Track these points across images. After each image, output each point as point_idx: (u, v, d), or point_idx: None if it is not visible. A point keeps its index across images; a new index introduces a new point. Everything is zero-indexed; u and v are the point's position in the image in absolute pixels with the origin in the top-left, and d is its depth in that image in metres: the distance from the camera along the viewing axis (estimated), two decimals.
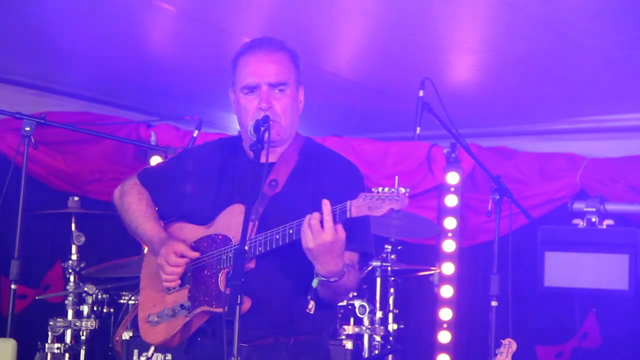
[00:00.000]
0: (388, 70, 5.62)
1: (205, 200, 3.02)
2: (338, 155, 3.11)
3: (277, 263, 2.86)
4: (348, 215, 2.62)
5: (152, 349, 4.39)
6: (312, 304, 2.79)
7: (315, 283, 2.75)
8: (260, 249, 2.79)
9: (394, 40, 4.96)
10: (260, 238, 2.79)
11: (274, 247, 2.77)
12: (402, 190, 2.59)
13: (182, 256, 2.95)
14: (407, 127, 4.67)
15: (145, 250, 3.24)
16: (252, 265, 2.82)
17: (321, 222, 2.63)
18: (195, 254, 2.95)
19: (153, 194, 3.17)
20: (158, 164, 3.29)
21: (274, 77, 2.94)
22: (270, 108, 2.91)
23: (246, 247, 2.81)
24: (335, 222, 2.63)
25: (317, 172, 2.99)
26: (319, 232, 2.63)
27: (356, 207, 2.61)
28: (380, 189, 2.60)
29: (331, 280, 2.72)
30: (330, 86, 5.80)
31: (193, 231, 3.02)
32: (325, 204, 2.64)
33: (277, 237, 2.76)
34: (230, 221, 2.91)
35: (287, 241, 2.74)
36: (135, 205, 3.15)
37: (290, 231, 2.72)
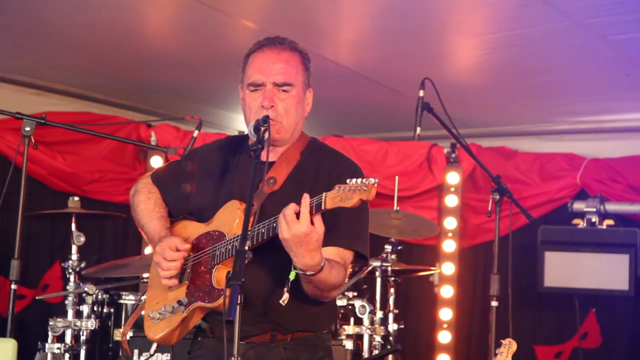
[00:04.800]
0: (388, 60, 5.60)
1: (207, 198, 3.03)
2: (340, 155, 3.10)
3: (269, 258, 2.84)
4: (323, 208, 2.61)
5: (153, 347, 4.39)
6: (285, 296, 2.73)
7: (292, 275, 2.72)
8: (248, 242, 2.77)
9: (395, 25, 4.94)
10: (249, 233, 2.78)
11: (259, 241, 2.76)
12: (372, 180, 2.58)
13: (178, 250, 2.95)
14: (407, 126, 4.66)
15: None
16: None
17: (298, 213, 2.63)
18: (188, 247, 2.95)
19: (163, 193, 3.19)
20: (169, 163, 3.32)
21: (280, 76, 2.93)
22: (273, 107, 2.91)
23: (225, 248, 2.85)
24: (311, 213, 2.62)
25: (316, 172, 2.99)
26: (293, 223, 2.61)
27: (330, 199, 2.60)
28: (354, 180, 2.60)
29: (307, 273, 2.70)
30: (330, 75, 5.78)
31: (195, 228, 3.03)
32: (305, 197, 2.63)
33: (263, 231, 2.76)
34: (226, 217, 2.92)
35: (270, 235, 2.73)
36: (143, 204, 3.17)
37: (274, 225, 2.71)
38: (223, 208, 2.95)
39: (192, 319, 2.96)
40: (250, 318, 2.83)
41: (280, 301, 2.73)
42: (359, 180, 2.58)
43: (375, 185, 2.58)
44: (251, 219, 2.69)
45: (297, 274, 2.72)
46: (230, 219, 2.89)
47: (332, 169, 2.98)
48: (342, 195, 2.59)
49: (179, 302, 2.93)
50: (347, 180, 2.60)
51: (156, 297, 3.07)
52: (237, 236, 2.79)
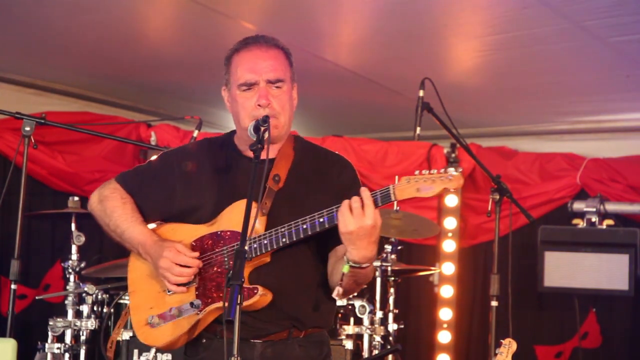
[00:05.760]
0: (388, 62, 5.61)
1: (201, 199, 2.99)
2: (329, 151, 3.14)
3: (292, 257, 2.87)
4: (392, 199, 2.66)
5: (153, 350, 4.36)
6: (339, 290, 2.78)
7: (346, 269, 2.74)
8: (284, 240, 2.79)
9: (395, 26, 4.94)
10: (284, 229, 2.79)
11: (301, 237, 2.78)
12: (453, 170, 2.67)
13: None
14: (407, 126, 4.66)
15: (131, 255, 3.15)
16: (267, 259, 2.83)
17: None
18: (194, 254, 2.93)
19: (138, 198, 3.10)
20: (137, 168, 3.22)
21: (272, 73, 2.94)
22: (269, 104, 2.92)
23: (248, 246, 2.83)
24: (376, 205, 2.67)
25: (313, 167, 3.02)
26: (360, 216, 2.65)
27: (400, 190, 2.65)
28: (425, 171, 2.65)
29: (363, 265, 2.74)
30: (330, 76, 5.78)
31: (190, 231, 2.99)
32: (364, 190, 2.68)
33: (305, 226, 2.76)
34: (239, 217, 2.89)
35: (317, 230, 2.75)
36: (120, 209, 3.06)
37: (321, 219, 2.74)
38: (231, 207, 2.91)
39: (206, 321, 2.93)
40: (270, 315, 2.86)
41: (335, 295, 2.80)
42: (434, 170, 2.66)
43: (461, 175, 2.66)
44: (264, 218, 2.75)
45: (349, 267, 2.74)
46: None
47: (329, 166, 3.02)
48: (419, 186, 2.64)
49: (192, 304, 2.89)
50: (416, 172, 2.66)
51: (148, 301, 3.01)
52: (262, 234, 2.81)
